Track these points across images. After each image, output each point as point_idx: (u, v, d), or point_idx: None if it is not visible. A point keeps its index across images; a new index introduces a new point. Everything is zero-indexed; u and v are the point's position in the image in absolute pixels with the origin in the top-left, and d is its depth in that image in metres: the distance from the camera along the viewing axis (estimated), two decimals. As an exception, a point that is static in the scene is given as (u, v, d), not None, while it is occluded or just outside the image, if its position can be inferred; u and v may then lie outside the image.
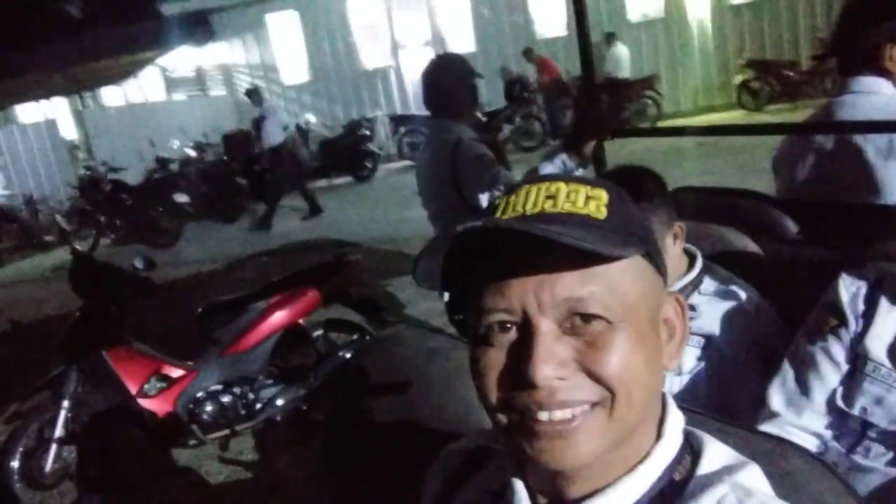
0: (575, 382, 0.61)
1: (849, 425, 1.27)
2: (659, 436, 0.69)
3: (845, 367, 1.27)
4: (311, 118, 13.86)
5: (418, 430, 1.29)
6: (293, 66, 15.46)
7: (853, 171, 1.90)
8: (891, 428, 1.20)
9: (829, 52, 2.07)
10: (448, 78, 2.71)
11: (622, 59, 12.79)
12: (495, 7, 13.87)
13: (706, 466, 0.67)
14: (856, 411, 1.24)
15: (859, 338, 1.26)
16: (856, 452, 1.24)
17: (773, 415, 1.31)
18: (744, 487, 0.64)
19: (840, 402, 1.26)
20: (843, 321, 1.28)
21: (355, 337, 3.82)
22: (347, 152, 12.52)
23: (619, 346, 0.62)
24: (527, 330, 0.62)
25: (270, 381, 3.51)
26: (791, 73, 12.29)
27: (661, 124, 12.10)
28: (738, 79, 12.69)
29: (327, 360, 3.60)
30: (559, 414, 0.61)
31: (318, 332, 3.78)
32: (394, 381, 1.33)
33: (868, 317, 1.26)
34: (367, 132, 12.71)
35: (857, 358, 1.25)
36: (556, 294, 0.62)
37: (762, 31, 13.65)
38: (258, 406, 3.44)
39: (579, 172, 2.19)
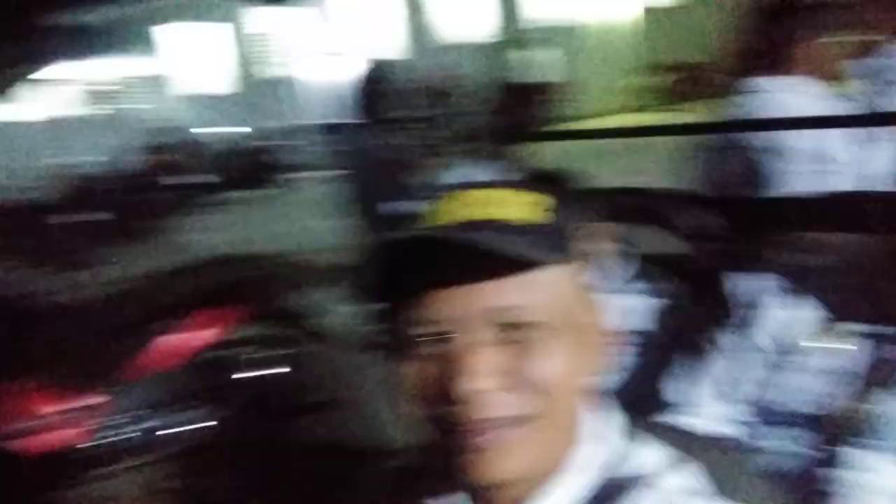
0: (510, 392, 0.60)
1: (775, 411, 1.29)
2: (596, 438, 0.67)
3: (762, 358, 1.31)
4: (209, 130, 13.47)
5: (345, 446, 1.23)
6: (191, 78, 15.04)
7: (770, 165, 1.95)
8: (805, 411, 1.24)
9: (746, 52, 2.12)
10: (382, 84, 2.67)
11: (540, 63, 13.00)
12: (401, 12, 13.84)
13: (648, 466, 0.66)
14: (774, 397, 1.28)
15: (778, 328, 1.30)
16: (764, 436, 1.28)
17: (700, 406, 1.34)
18: (687, 487, 0.64)
19: (763, 390, 1.30)
20: (761, 313, 1.32)
21: (279, 352, 3.70)
22: (251, 164, 12.25)
23: (555, 353, 0.61)
24: (461, 340, 0.60)
25: (189, 405, 3.36)
26: (703, 75, 12.79)
27: (581, 126, 12.41)
28: (653, 80, 13.14)
29: (250, 379, 3.47)
30: (497, 425, 0.60)
31: (240, 350, 3.65)
32: (320, 397, 1.27)
33: (786, 307, 1.31)
34: (278, 142, 12.49)
35: (776, 348, 1.30)
36: (490, 302, 0.60)
37: (681, 34, 14.13)
38: (176, 431, 3.28)
39: (502, 175, 2.18)
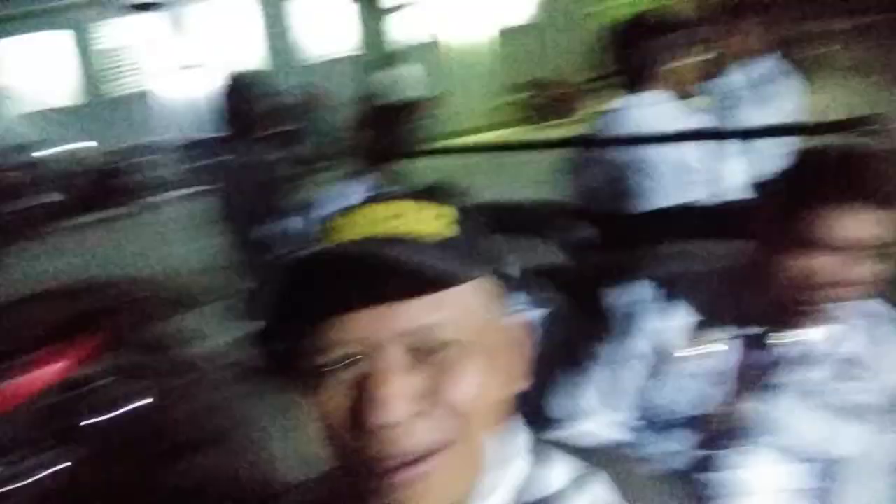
0: (429, 418, 0.56)
1: (658, 415, 1.34)
2: (505, 459, 0.64)
3: (642, 365, 1.35)
4: (54, 148, 12.50)
5: (228, 488, 1.14)
6: (34, 93, 13.98)
7: (644, 174, 2.05)
8: (684, 415, 1.29)
9: (610, 69, 2.22)
10: (246, 98, 2.55)
11: (406, 80, 13.13)
12: (261, 28, 13.54)
13: (558, 482, 0.65)
14: (663, 401, 1.31)
15: (654, 335, 1.34)
16: (648, 441, 1.32)
17: (586, 414, 1.37)
18: (603, 500, 0.64)
19: (648, 395, 1.34)
20: (644, 319, 1.36)
21: (144, 385, 3.46)
22: (102, 184, 11.52)
23: (470, 373, 0.58)
24: (373, 364, 0.56)
25: (38, 448, 3.06)
26: (566, 91, 13.45)
27: (449, 143, 12.62)
28: (515, 97, 13.62)
29: (111, 415, 3.21)
30: (417, 453, 0.55)
31: (101, 382, 3.37)
32: (195, 434, 1.17)
33: (661, 314, 1.34)
34: (132, 159, 11.80)
35: (654, 354, 1.34)
36: (404, 322, 0.56)
37: (534, 52, 14.75)
38: (25, 475, 2.97)
39: (379, 191, 2.14)
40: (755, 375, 1.25)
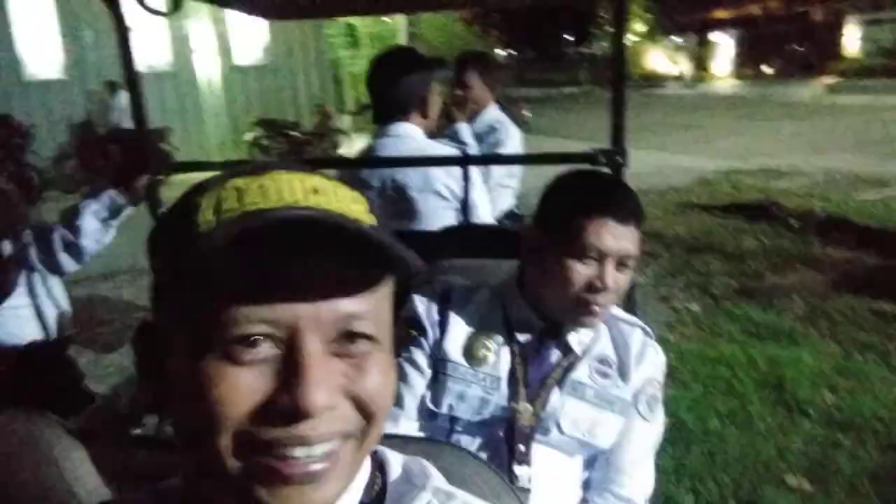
0: (340, 411, 0.53)
1: (439, 423, 1.41)
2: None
3: (429, 373, 1.41)
4: None
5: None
6: None
7: (396, 202, 2.16)
8: (474, 418, 1.37)
9: (367, 104, 2.33)
10: None
11: (127, 109, 12.18)
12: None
13: (394, 477, 0.66)
14: (444, 409, 1.38)
15: (437, 344, 1.41)
16: (467, 443, 1.37)
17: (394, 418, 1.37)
18: (444, 491, 0.65)
19: (429, 404, 1.39)
20: (423, 332, 1.42)
21: None
22: None
23: (382, 370, 0.56)
24: (293, 347, 0.51)
25: None
26: (295, 133, 13.48)
27: (176, 178, 11.90)
28: (249, 136, 13.33)
29: None
30: (318, 449, 0.52)
31: None
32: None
33: (442, 325, 1.42)
34: None
35: (438, 362, 1.40)
36: (336, 307, 0.52)
37: (266, 93, 14.61)
38: None
39: (129, 210, 2.00)
40: (528, 378, 1.38)
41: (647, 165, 9.68)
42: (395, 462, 0.67)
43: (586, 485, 1.41)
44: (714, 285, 5.10)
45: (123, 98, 12.15)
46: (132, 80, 2.02)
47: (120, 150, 10.59)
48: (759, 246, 5.94)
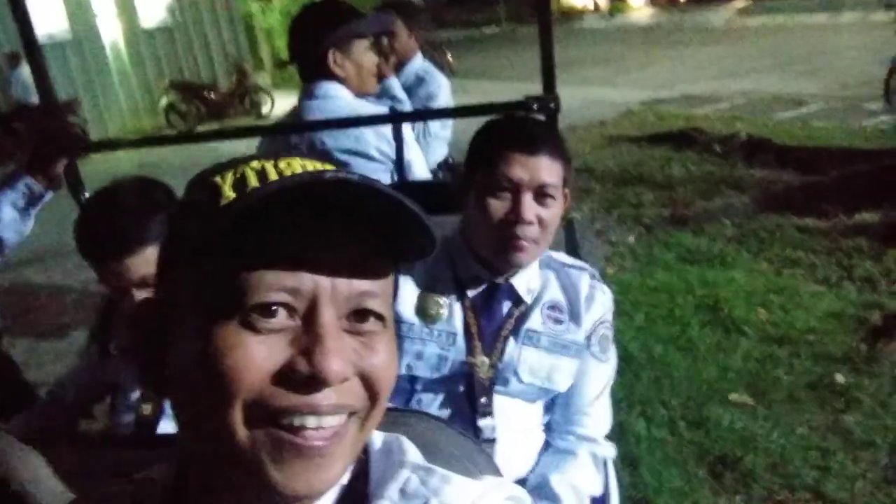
0: (350, 385, 0.54)
1: (399, 385, 1.40)
2: None
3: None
4: None
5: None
6: None
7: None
8: (434, 376, 1.37)
9: (288, 60, 2.22)
10: None
11: (30, 83, 11.50)
12: None
13: (376, 455, 0.65)
14: (402, 370, 1.37)
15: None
16: (411, 406, 1.39)
17: None
18: (422, 467, 0.64)
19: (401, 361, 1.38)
20: None
21: None
22: None
23: (388, 351, 0.57)
24: (312, 317, 0.52)
25: None
26: (212, 95, 13.01)
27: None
28: (164, 101, 12.78)
29: None
30: (328, 420, 0.52)
31: None
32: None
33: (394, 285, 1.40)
34: None
35: (393, 323, 1.39)
36: (353, 284, 0.53)
37: (178, 54, 13.99)
38: None
39: (49, 196, 1.89)
40: (482, 331, 1.38)
41: (572, 100, 9.73)
42: (377, 439, 0.67)
43: (548, 427, 1.45)
44: (647, 215, 5.24)
45: (25, 71, 11.44)
46: (32, 50, 1.88)
47: (29, 131, 10.04)
48: (687, 173, 6.11)
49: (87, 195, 1.94)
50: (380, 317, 0.56)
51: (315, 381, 0.51)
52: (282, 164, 0.55)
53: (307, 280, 0.52)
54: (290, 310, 0.52)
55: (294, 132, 2.14)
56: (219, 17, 14.34)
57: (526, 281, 1.41)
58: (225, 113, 13.07)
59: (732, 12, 22.18)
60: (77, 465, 1.00)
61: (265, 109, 13.13)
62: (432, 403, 1.38)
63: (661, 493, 2.42)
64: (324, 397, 0.52)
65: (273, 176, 0.53)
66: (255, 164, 0.55)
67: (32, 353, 4.22)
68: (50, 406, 1.73)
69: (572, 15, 29.02)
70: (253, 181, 0.53)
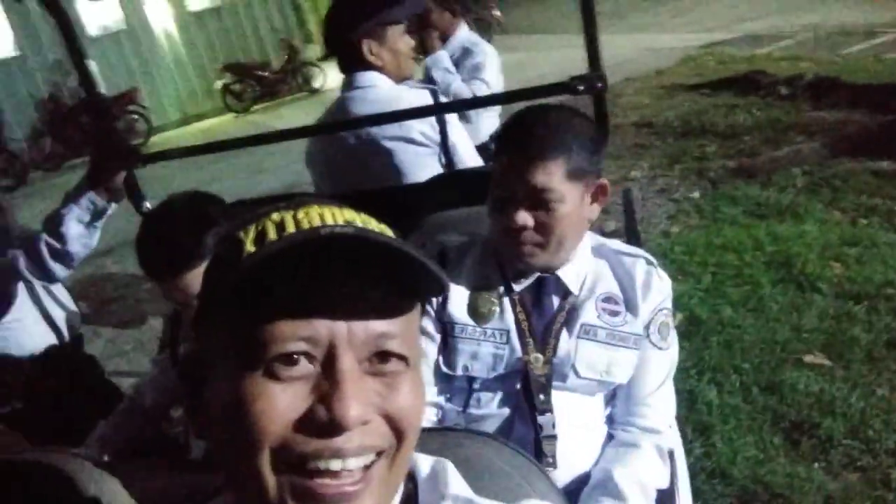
0: (373, 426, 0.56)
1: (456, 385, 1.41)
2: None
3: (438, 338, 1.40)
4: None
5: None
6: None
7: (375, 154, 2.10)
8: (491, 375, 1.37)
9: (328, 51, 2.22)
10: None
11: (102, 72, 11.82)
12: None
13: (423, 482, 0.67)
14: (459, 371, 1.38)
15: (441, 308, 1.40)
16: (470, 406, 1.39)
17: None
18: (464, 498, 0.66)
19: (444, 368, 1.39)
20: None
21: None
22: None
23: (413, 389, 0.58)
24: (330, 364, 0.54)
25: None
26: (265, 73, 13.12)
27: (154, 138, 11.71)
28: (219, 83, 12.98)
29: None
30: (353, 463, 0.54)
31: None
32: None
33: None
34: None
35: (445, 326, 1.39)
36: (370, 327, 0.55)
37: (227, 34, 14.14)
38: None
39: (112, 209, 1.95)
40: (533, 326, 1.37)
41: (626, 50, 9.44)
42: (424, 466, 0.69)
43: (609, 419, 1.43)
44: (711, 169, 5.05)
45: (90, 65, 11.77)
46: (73, 47, 1.93)
47: (93, 128, 10.37)
48: (752, 120, 5.85)
49: (147, 205, 1.99)
50: (401, 357, 0.57)
51: (334, 427, 0.53)
52: (300, 214, 0.57)
53: (322, 328, 0.54)
54: (310, 357, 0.54)
55: (339, 130, 2.13)
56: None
57: (574, 272, 1.38)
58: (278, 90, 13.18)
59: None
60: (153, 489, 1.05)
61: (317, 83, 13.17)
62: (490, 402, 1.37)
63: (736, 462, 2.37)
64: (345, 440, 0.53)
65: (290, 228, 0.55)
66: (275, 216, 0.58)
67: (115, 342, 4.43)
68: (129, 412, 1.82)
69: (623, -44, 27.92)
70: (272, 234, 0.55)
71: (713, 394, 2.71)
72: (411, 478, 0.67)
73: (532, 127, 1.30)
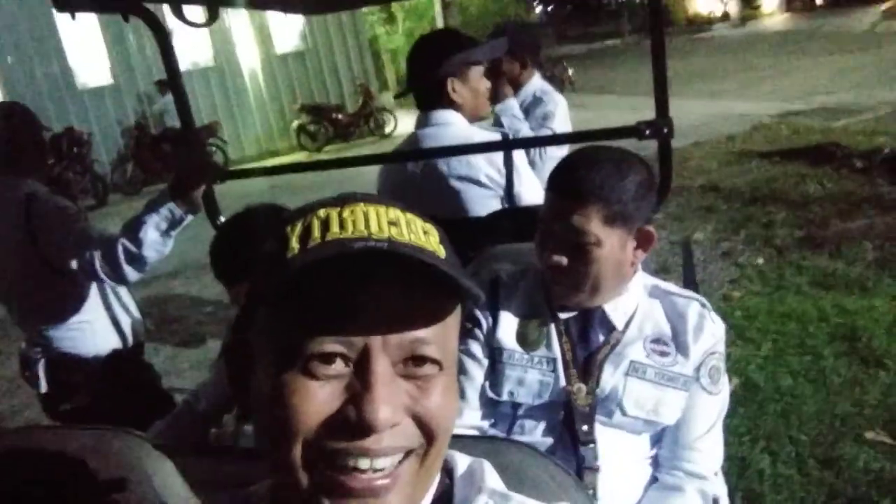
0: (403, 428, 0.57)
1: (501, 410, 1.42)
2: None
3: (486, 362, 1.42)
4: None
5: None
6: None
7: (441, 192, 2.17)
8: (536, 402, 1.37)
9: (407, 89, 2.31)
10: (11, 129, 2.27)
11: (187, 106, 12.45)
12: (23, 53, 12.15)
13: (458, 481, 0.68)
14: (504, 397, 1.39)
15: (491, 333, 1.42)
16: (513, 432, 1.39)
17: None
18: (499, 492, 0.67)
19: (490, 393, 1.41)
20: (476, 322, 1.43)
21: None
22: None
23: (444, 392, 0.59)
24: (363, 367, 0.56)
25: None
26: (340, 116, 13.59)
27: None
28: (295, 123, 13.48)
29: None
30: (381, 462, 0.56)
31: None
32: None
33: (493, 314, 1.43)
34: None
35: (494, 351, 1.41)
36: (404, 333, 0.56)
37: (308, 77, 14.71)
38: None
39: (188, 220, 2.06)
40: (583, 358, 1.38)
41: (699, 115, 9.41)
42: (462, 463, 0.70)
43: (655, 462, 1.41)
44: (778, 236, 4.96)
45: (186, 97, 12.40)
46: (175, 83, 2.07)
47: (173, 156, 10.86)
48: (823, 191, 5.74)
49: (222, 219, 2.10)
50: (435, 361, 0.58)
51: (363, 428, 0.54)
52: (346, 213, 0.59)
53: (358, 333, 0.55)
54: (346, 358, 0.56)
55: (410, 160, 2.22)
56: (347, 40, 14.94)
57: (622, 308, 1.39)
58: (351, 133, 13.60)
59: (876, 15, 20.64)
60: (205, 474, 1.09)
61: (388, 129, 13.57)
62: (534, 430, 1.38)
63: (786, 534, 2.29)
64: (374, 441, 0.55)
65: (335, 227, 0.57)
66: (321, 212, 0.60)
67: (174, 360, 4.56)
68: (184, 415, 1.88)
69: (700, 23, 28.04)
70: (316, 233, 0.57)
71: (766, 462, 2.62)
72: (448, 474, 0.69)
73: (577, 168, 1.31)
